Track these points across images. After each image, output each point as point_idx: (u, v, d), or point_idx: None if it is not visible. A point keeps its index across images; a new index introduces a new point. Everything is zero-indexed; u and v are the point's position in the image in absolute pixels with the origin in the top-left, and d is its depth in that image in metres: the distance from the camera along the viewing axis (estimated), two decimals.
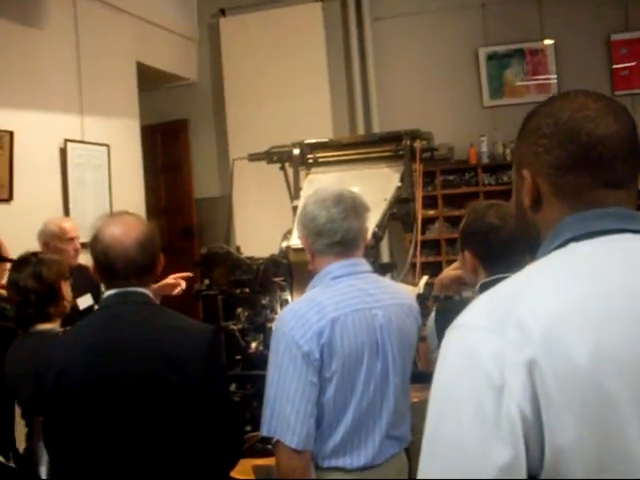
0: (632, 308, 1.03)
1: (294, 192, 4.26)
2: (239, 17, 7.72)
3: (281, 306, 3.42)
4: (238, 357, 3.40)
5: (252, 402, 3.21)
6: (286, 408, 2.15)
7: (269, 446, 2.50)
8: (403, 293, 2.56)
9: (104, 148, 6.18)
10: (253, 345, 3.37)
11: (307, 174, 4.28)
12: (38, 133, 5.48)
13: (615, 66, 6.99)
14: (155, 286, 3.72)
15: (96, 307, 3.82)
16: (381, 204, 3.70)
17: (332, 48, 7.52)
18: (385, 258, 6.07)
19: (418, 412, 2.44)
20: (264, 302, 3.50)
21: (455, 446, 1.01)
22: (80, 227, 4.52)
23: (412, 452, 2.47)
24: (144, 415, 2.10)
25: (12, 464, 2.81)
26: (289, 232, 3.66)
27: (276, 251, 3.68)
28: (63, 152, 5.74)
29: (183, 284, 3.88)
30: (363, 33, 7.54)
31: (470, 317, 1.09)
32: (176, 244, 7.52)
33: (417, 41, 7.45)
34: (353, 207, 2.38)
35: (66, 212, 5.65)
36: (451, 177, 7.21)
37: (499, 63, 7.28)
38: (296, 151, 4.30)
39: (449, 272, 3.09)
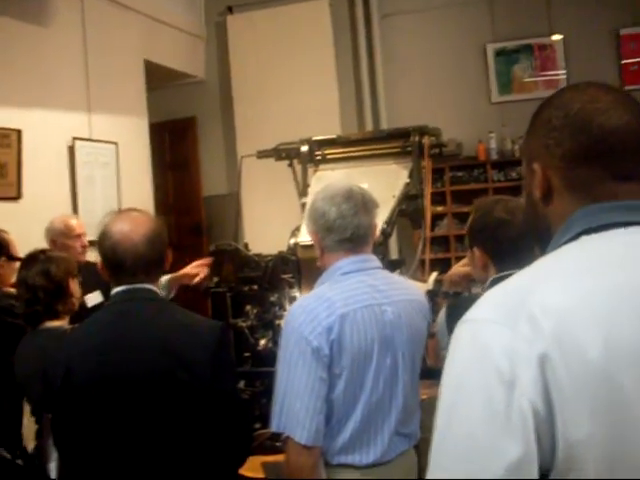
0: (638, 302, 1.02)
1: (302, 189, 4.26)
2: (246, 14, 7.71)
3: (289, 303, 3.42)
4: (247, 354, 3.40)
5: (261, 399, 3.21)
6: (295, 404, 2.15)
7: (278, 443, 2.50)
8: (413, 289, 2.55)
9: (112, 146, 6.18)
10: (262, 342, 3.37)
11: (315, 171, 4.27)
12: (46, 131, 5.49)
13: (624, 61, 6.96)
14: (172, 276, 3.73)
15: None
16: (389, 201, 3.69)
17: (340, 45, 7.51)
18: (394, 255, 6.05)
19: (427, 409, 2.43)
20: (272, 299, 3.50)
21: (465, 441, 1.00)
22: (89, 225, 4.51)
23: (421, 449, 2.46)
24: (152, 412, 2.09)
25: (20, 462, 2.81)
26: (297, 229, 3.65)
27: (284, 248, 3.68)
28: (71, 150, 5.75)
29: (204, 272, 3.88)
30: (371, 30, 7.53)
31: (481, 311, 1.08)
32: (185, 241, 7.52)
33: (425, 37, 7.43)
34: (363, 203, 2.37)
35: (75, 210, 5.66)
36: (460, 173, 7.19)
37: (507, 59, 7.26)
38: (304, 148, 4.30)
39: (458, 269, 3.08)
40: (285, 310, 3.37)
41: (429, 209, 4.08)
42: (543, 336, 0.99)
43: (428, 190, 4.09)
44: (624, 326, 1.00)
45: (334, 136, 4.58)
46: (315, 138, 4.37)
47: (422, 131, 4.08)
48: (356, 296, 2.28)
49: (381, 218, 3.14)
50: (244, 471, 2.46)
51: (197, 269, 3.85)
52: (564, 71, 7.09)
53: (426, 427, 2.35)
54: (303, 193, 4.18)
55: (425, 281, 3.60)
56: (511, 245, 2.33)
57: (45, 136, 5.48)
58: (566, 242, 1.15)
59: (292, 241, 3.64)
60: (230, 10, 7.83)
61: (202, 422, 2.10)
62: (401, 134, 4.20)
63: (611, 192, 1.14)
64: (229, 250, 3.82)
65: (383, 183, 3.77)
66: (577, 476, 0.98)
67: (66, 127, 5.70)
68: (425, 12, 7.39)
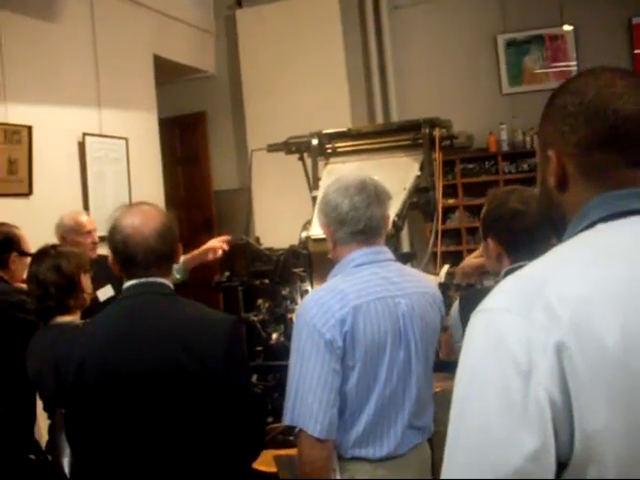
0: None
1: (313, 182, 4.24)
2: (255, 8, 7.69)
3: (301, 297, 3.41)
4: (259, 348, 3.39)
5: (273, 393, 3.20)
6: (308, 396, 2.14)
7: (291, 437, 2.49)
8: (426, 281, 2.53)
9: (122, 141, 6.19)
10: (274, 336, 3.36)
11: (326, 164, 4.26)
12: (56, 127, 5.50)
13: (637, 51, 6.86)
14: (187, 257, 3.80)
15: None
16: (401, 193, 3.67)
17: (349, 37, 7.48)
18: (405, 248, 6.03)
19: (440, 402, 2.42)
20: (284, 293, 3.49)
21: (481, 432, 0.99)
22: (100, 220, 4.50)
23: (435, 443, 2.45)
24: (165, 407, 2.09)
25: (32, 457, 2.82)
26: (308, 222, 3.64)
27: (296, 242, 3.67)
28: (82, 146, 5.75)
29: (223, 247, 3.97)
30: (380, 21, 7.49)
31: (496, 300, 1.06)
32: (196, 236, 7.48)
33: (435, 29, 7.39)
34: (375, 195, 2.35)
35: (86, 206, 5.66)
36: (471, 165, 7.16)
37: (518, 50, 7.20)
38: (314, 141, 4.28)
39: (471, 260, 3.07)
40: (297, 304, 3.36)
41: (440, 201, 4.06)
42: (560, 324, 0.98)
43: (439, 182, 4.07)
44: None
45: (344, 129, 4.56)
46: (325, 131, 4.35)
47: (433, 123, 4.06)
48: (369, 288, 2.26)
49: (392, 211, 3.11)
50: (257, 465, 2.45)
51: (219, 242, 3.92)
52: (575, 62, 7.02)
53: (439, 420, 2.34)
54: (314, 186, 4.17)
55: (437, 274, 3.59)
56: (526, 236, 2.31)
57: (55, 132, 5.48)
58: (582, 230, 1.13)
59: (303, 235, 3.63)
60: (239, 4, 7.82)
61: (215, 416, 2.09)
62: (412, 126, 4.17)
63: (627, 179, 1.12)
64: (240, 244, 3.81)
65: (394, 176, 3.75)
66: (597, 469, 0.96)
67: (76, 123, 5.70)
68: (435, 3, 7.35)
